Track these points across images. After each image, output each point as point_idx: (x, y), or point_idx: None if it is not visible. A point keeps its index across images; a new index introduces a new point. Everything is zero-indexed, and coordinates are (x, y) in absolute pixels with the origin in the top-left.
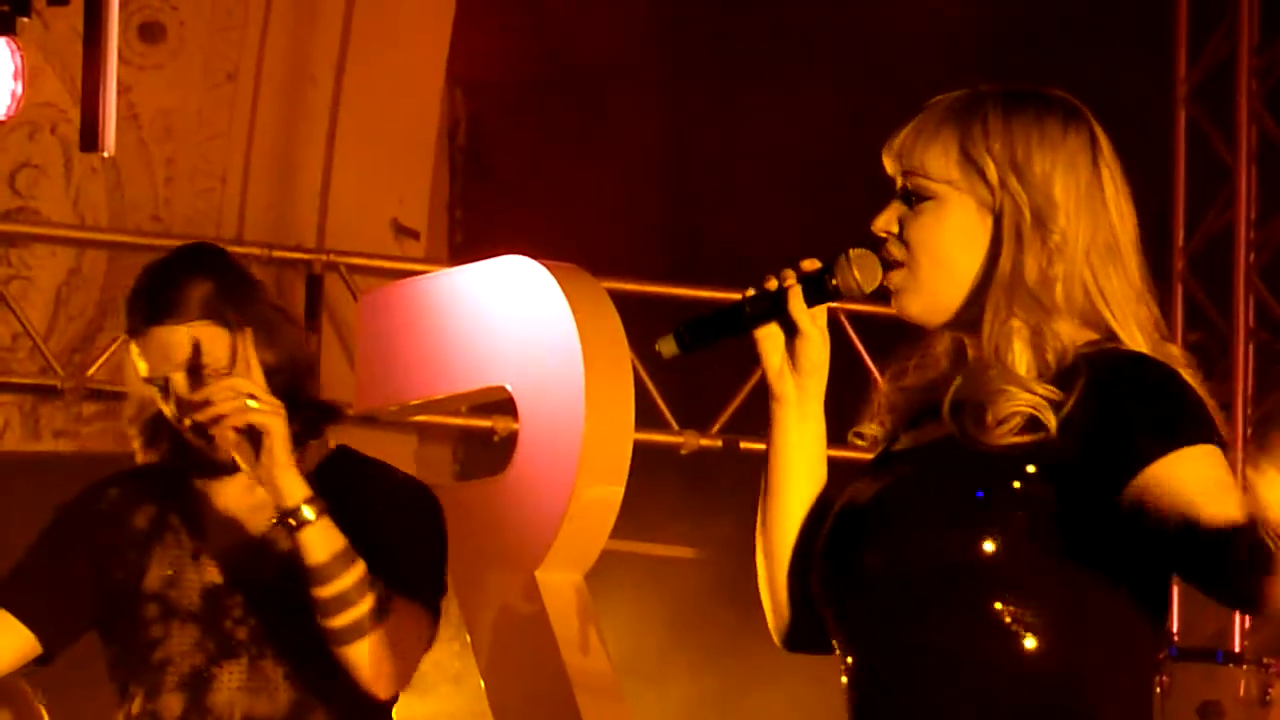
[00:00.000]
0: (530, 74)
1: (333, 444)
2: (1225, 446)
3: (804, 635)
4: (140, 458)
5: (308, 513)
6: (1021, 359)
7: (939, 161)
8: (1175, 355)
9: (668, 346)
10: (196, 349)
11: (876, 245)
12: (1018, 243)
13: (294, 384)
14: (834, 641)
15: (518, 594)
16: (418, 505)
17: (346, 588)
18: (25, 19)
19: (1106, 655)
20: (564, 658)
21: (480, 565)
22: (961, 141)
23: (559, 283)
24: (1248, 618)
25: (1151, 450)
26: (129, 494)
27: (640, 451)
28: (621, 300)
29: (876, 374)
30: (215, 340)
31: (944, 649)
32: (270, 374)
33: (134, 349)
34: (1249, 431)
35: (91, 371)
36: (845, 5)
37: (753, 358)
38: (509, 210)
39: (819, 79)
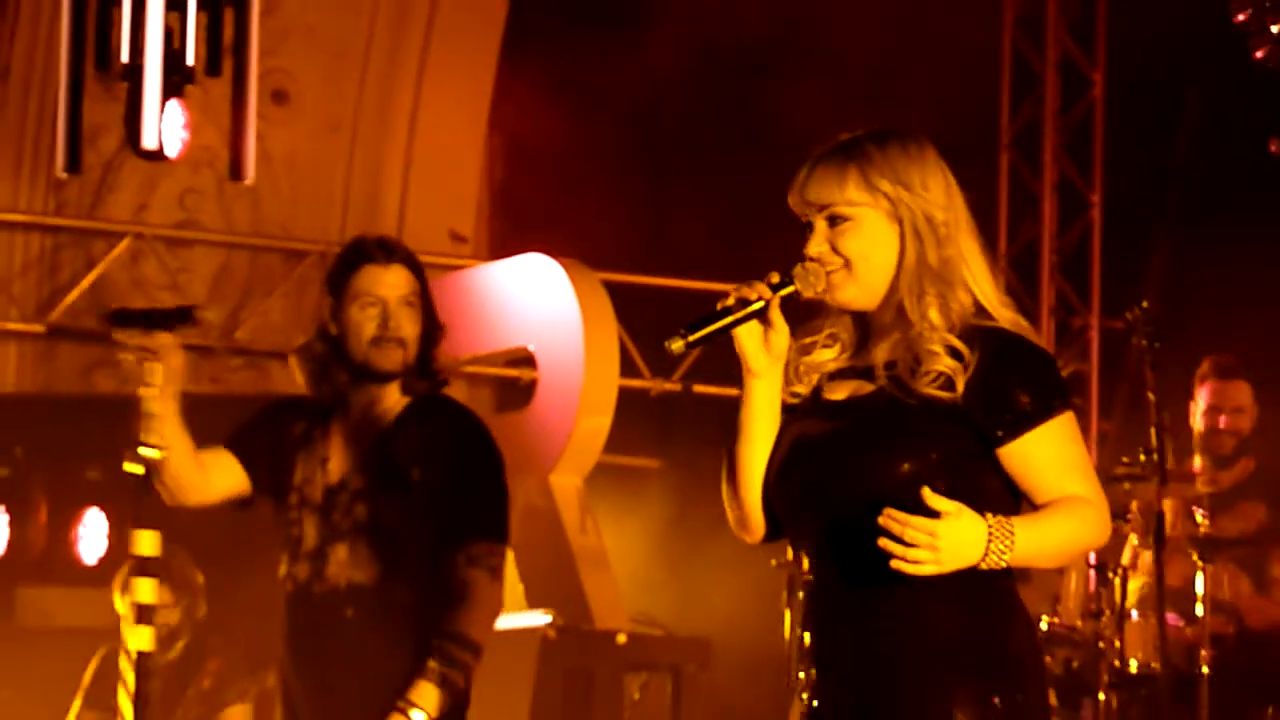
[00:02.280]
0: (545, 128)
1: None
2: (1071, 403)
3: (772, 535)
4: (296, 372)
5: (419, 716)
6: (940, 322)
7: (849, 191)
8: (1024, 326)
9: (677, 345)
10: (406, 283)
11: (805, 262)
12: (918, 237)
13: (433, 346)
14: (793, 543)
15: (536, 493)
16: (490, 455)
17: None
18: (191, 86)
19: None
20: (568, 537)
21: (511, 472)
22: (859, 173)
23: (566, 273)
24: None
25: (1022, 425)
26: (294, 413)
27: (622, 393)
28: (610, 286)
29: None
30: (417, 292)
31: (878, 551)
32: (429, 331)
33: (356, 279)
34: None
35: (237, 335)
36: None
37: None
38: (531, 223)
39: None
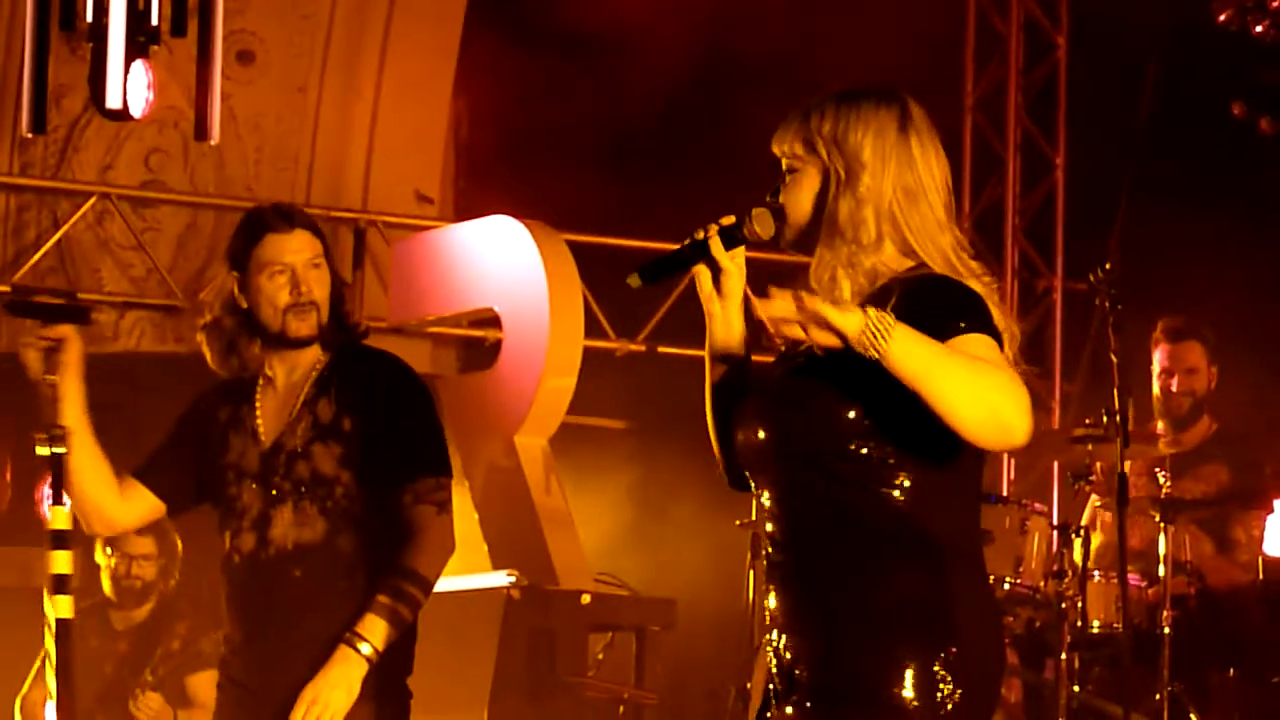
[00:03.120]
0: (511, 89)
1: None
2: (999, 338)
3: (737, 480)
4: (208, 352)
5: (367, 649)
6: (843, 284)
7: (794, 145)
8: (974, 267)
9: (634, 280)
10: (310, 246)
11: (773, 207)
12: (836, 193)
13: (341, 305)
14: (757, 499)
15: (501, 453)
16: (417, 391)
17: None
18: (155, 46)
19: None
20: (532, 497)
21: (476, 433)
22: (804, 128)
23: (531, 234)
24: (1012, 469)
25: (939, 334)
26: (216, 400)
27: (587, 353)
28: (575, 247)
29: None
30: (322, 253)
31: (825, 510)
32: (339, 289)
33: (259, 249)
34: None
35: (203, 295)
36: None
37: (668, 288)
38: (496, 184)
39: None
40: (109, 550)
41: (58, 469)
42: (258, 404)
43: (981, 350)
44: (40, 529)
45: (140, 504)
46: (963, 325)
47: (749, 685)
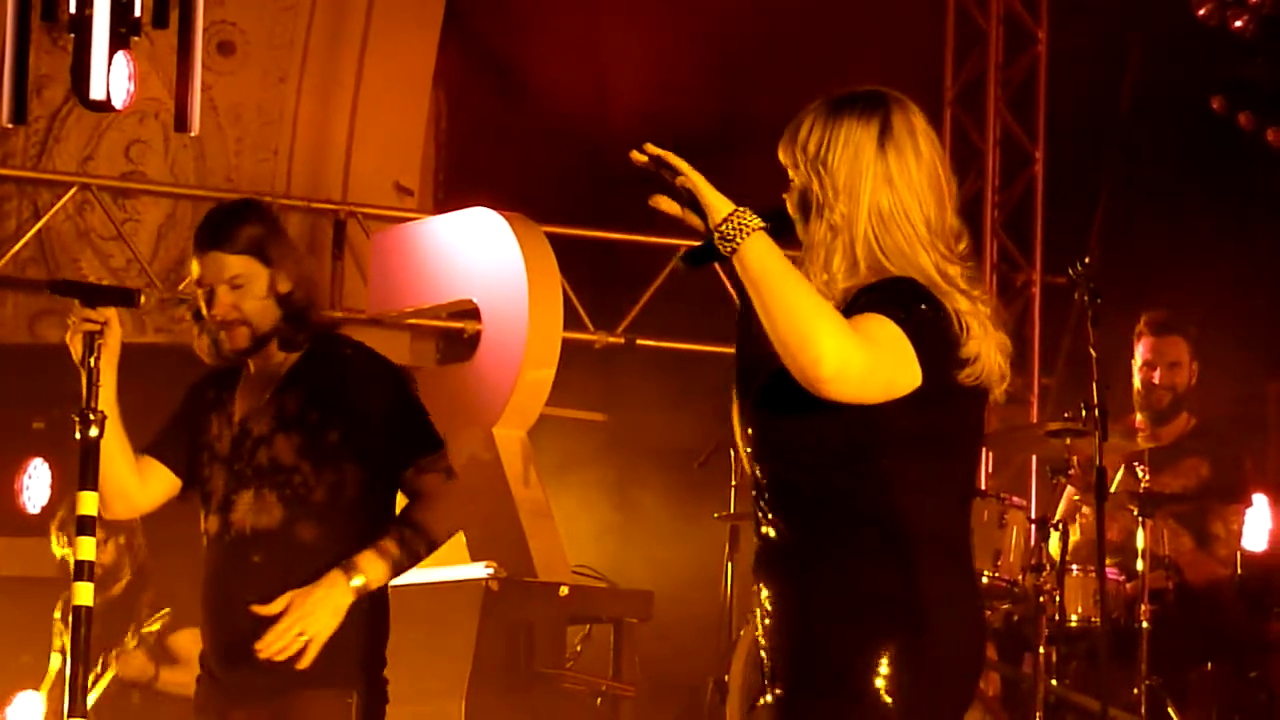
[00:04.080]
0: (491, 81)
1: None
2: (910, 323)
3: None
4: (195, 345)
5: (359, 581)
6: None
7: (785, 157)
8: (959, 283)
9: (681, 265)
10: (228, 266)
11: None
12: (815, 215)
13: (304, 308)
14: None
15: (480, 444)
16: (391, 376)
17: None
18: (136, 38)
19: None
20: (511, 489)
21: (454, 424)
22: (787, 139)
23: (510, 226)
24: (990, 463)
25: (850, 310)
26: (206, 384)
27: (566, 345)
28: (554, 239)
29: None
30: (253, 269)
31: (800, 505)
32: (287, 296)
33: (194, 264)
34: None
35: (182, 286)
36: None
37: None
38: (476, 176)
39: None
40: (63, 541)
41: (90, 453)
42: (238, 391)
43: (873, 328)
44: (17, 520)
45: (158, 483)
46: (875, 310)
47: (726, 677)
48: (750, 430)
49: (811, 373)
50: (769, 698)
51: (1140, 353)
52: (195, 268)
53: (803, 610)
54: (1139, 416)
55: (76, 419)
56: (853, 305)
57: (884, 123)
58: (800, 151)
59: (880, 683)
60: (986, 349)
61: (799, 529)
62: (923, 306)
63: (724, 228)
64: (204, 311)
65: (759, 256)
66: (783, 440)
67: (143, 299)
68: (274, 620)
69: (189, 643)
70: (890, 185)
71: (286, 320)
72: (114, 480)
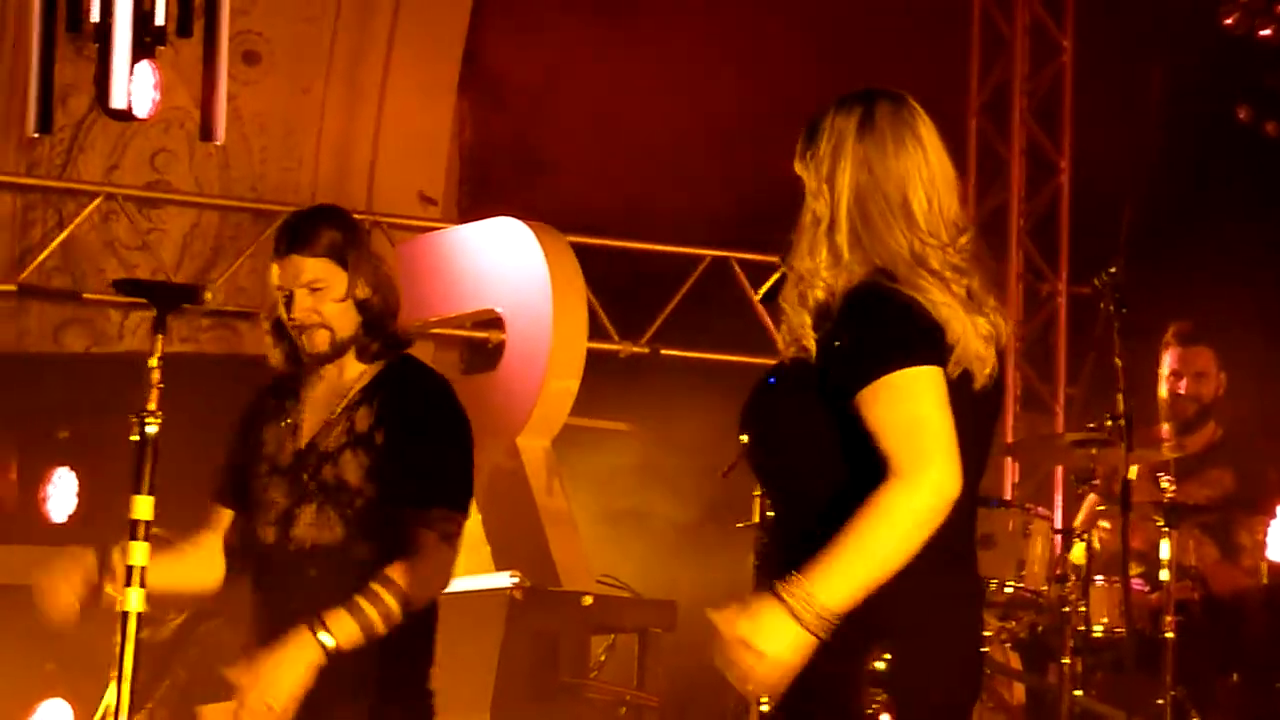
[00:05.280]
0: (515, 91)
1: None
2: (923, 358)
3: None
4: (269, 352)
5: (328, 640)
6: (801, 312)
7: (796, 164)
8: (936, 267)
9: (760, 299)
10: (308, 269)
11: None
12: (806, 207)
13: (382, 315)
14: None
15: (504, 454)
16: (458, 422)
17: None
18: (161, 47)
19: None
20: (535, 499)
21: (478, 434)
22: (800, 153)
23: (535, 236)
24: (1015, 473)
25: (854, 383)
26: (262, 397)
27: (590, 355)
28: (579, 249)
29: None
30: (332, 273)
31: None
32: (366, 302)
33: (274, 267)
34: (1018, 346)
35: (206, 296)
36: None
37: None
38: (500, 186)
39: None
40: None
41: (143, 453)
42: (303, 398)
43: (886, 402)
44: (41, 528)
45: (227, 529)
46: (878, 369)
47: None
48: (745, 439)
49: (945, 510)
50: (765, 707)
51: (1167, 363)
52: (274, 271)
53: None
54: (1165, 427)
55: (134, 420)
56: (832, 335)
57: (866, 112)
58: (799, 151)
59: (860, 696)
60: (963, 333)
61: (786, 537)
62: (915, 327)
63: (805, 630)
64: (283, 316)
65: (835, 592)
66: (774, 454)
67: (208, 296)
68: None
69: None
70: (868, 169)
71: (365, 327)
72: (188, 584)
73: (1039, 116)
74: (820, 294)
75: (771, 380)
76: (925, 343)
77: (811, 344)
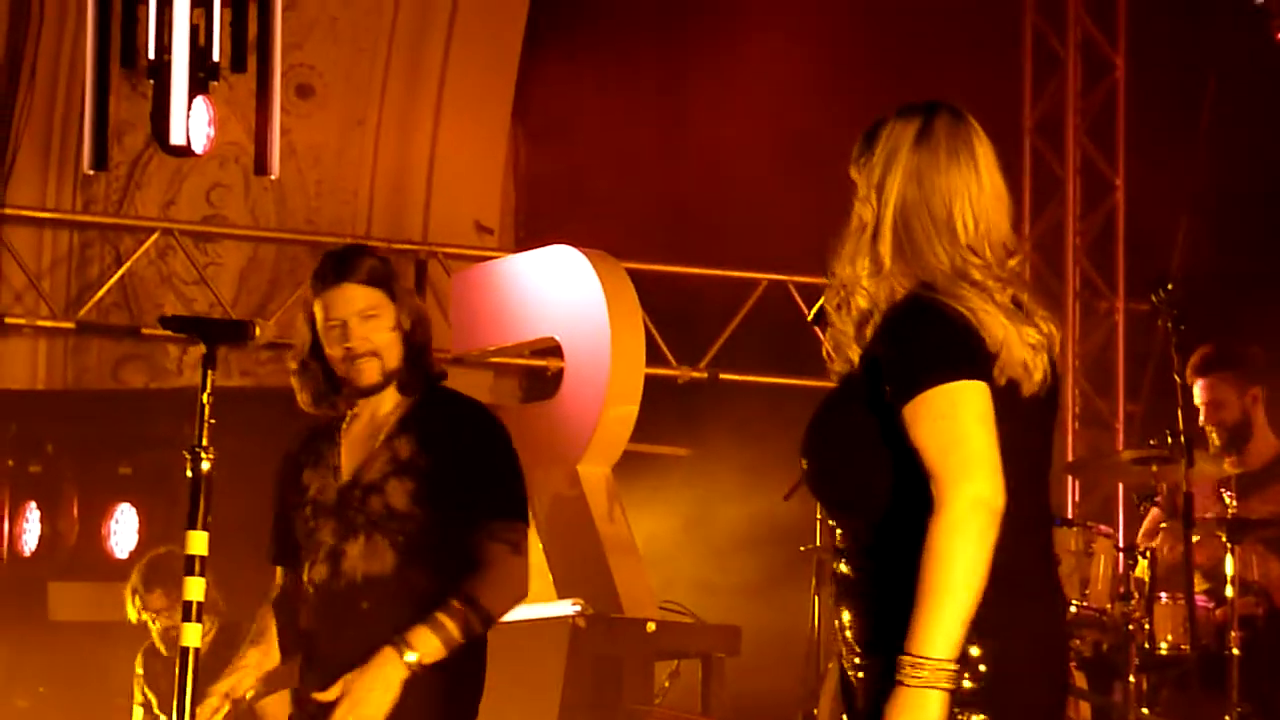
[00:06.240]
0: (569, 118)
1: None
2: (961, 373)
3: None
4: (297, 393)
5: (412, 657)
6: (844, 318)
7: (851, 170)
8: (977, 278)
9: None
10: (362, 297)
11: None
12: (854, 213)
13: (422, 347)
14: None
15: (564, 482)
16: (500, 437)
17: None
18: (216, 82)
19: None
20: (596, 526)
21: (538, 462)
22: (858, 156)
23: (591, 263)
24: (1077, 491)
25: (898, 399)
26: (301, 442)
27: (649, 381)
28: (635, 275)
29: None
30: (382, 302)
31: (849, 536)
32: (410, 334)
33: (318, 303)
34: (1076, 364)
35: (255, 331)
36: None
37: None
38: (556, 214)
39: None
40: (137, 604)
41: (197, 488)
42: (340, 441)
43: (927, 419)
44: (104, 565)
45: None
46: (916, 387)
47: (815, 711)
48: (805, 464)
49: (996, 522)
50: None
51: (1195, 394)
52: (320, 307)
53: (861, 641)
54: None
55: (187, 456)
56: (874, 348)
57: (925, 123)
58: (854, 159)
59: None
60: (1006, 340)
61: (856, 557)
62: (955, 340)
63: (941, 682)
64: (330, 349)
65: (943, 636)
66: (834, 478)
67: (257, 331)
68: (362, 663)
69: (279, 709)
70: (918, 182)
71: (407, 359)
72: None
73: (1093, 134)
74: (863, 302)
75: (826, 403)
76: (965, 356)
77: (855, 355)
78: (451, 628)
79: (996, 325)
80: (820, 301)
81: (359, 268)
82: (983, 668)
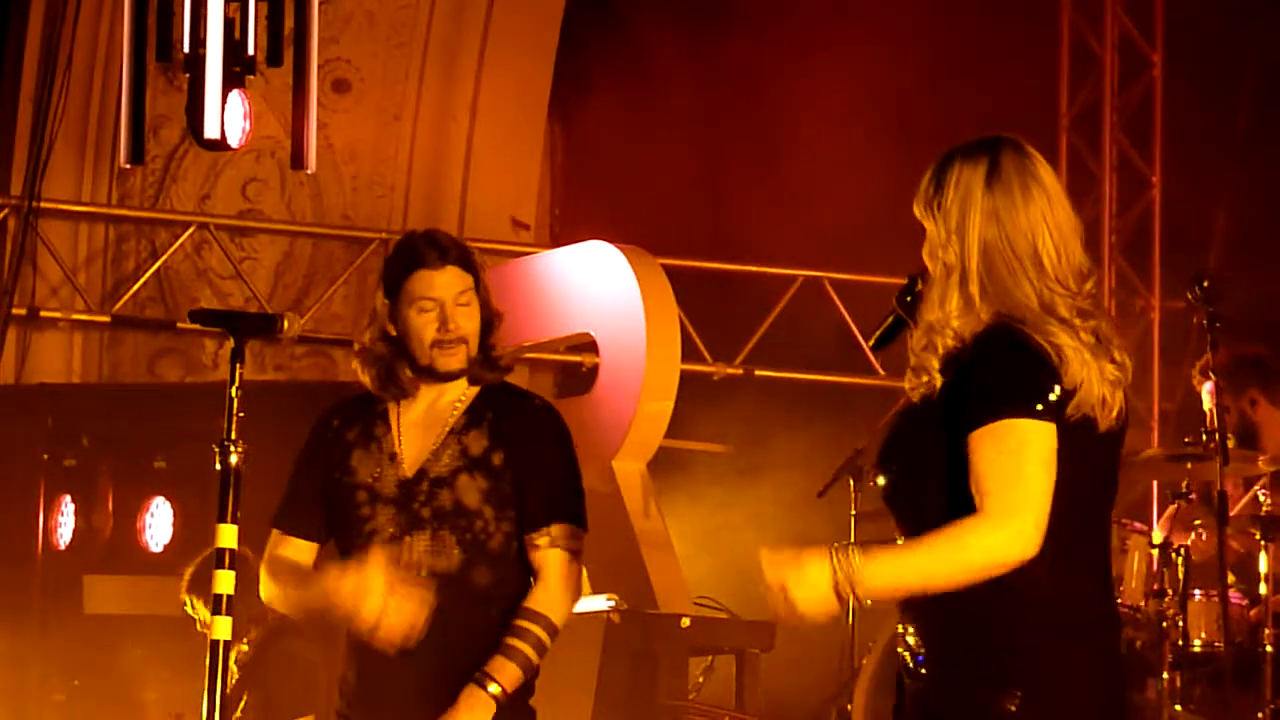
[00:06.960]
0: (606, 114)
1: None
2: (1034, 412)
3: None
4: (361, 376)
5: (496, 690)
6: (929, 357)
7: (916, 210)
8: (1066, 314)
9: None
10: (460, 280)
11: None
12: (933, 257)
13: (488, 337)
14: None
15: (599, 478)
16: (569, 440)
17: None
18: (252, 76)
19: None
20: (631, 521)
21: None
22: (918, 196)
23: (627, 259)
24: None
25: (969, 423)
26: (341, 421)
27: (684, 377)
28: (671, 271)
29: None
30: (471, 287)
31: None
32: (488, 323)
33: (416, 282)
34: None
35: (284, 325)
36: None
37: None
38: (592, 210)
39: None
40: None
41: (227, 483)
42: (394, 425)
43: (990, 449)
44: (140, 558)
45: (301, 554)
46: (989, 415)
47: (849, 707)
48: (881, 480)
49: (1014, 564)
50: None
51: (1203, 398)
52: (419, 284)
53: (934, 653)
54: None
55: (216, 450)
56: (959, 379)
57: (993, 163)
58: (922, 200)
59: None
60: (1087, 378)
61: None
62: (1037, 377)
63: (842, 585)
64: (421, 329)
65: (880, 579)
66: (907, 495)
67: (285, 324)
68: (420, 663)
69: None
70: (996, 221)
71: (482, 349)
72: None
73: (1130, 131)
74: (951, 341)
75: (902, 420)
76: (1039, 394)
77: (938, 385)
78: (528, 651)
79: (1078, 362)
80: (881, 328)
81: (457, 251)
82: (1013, 708)
